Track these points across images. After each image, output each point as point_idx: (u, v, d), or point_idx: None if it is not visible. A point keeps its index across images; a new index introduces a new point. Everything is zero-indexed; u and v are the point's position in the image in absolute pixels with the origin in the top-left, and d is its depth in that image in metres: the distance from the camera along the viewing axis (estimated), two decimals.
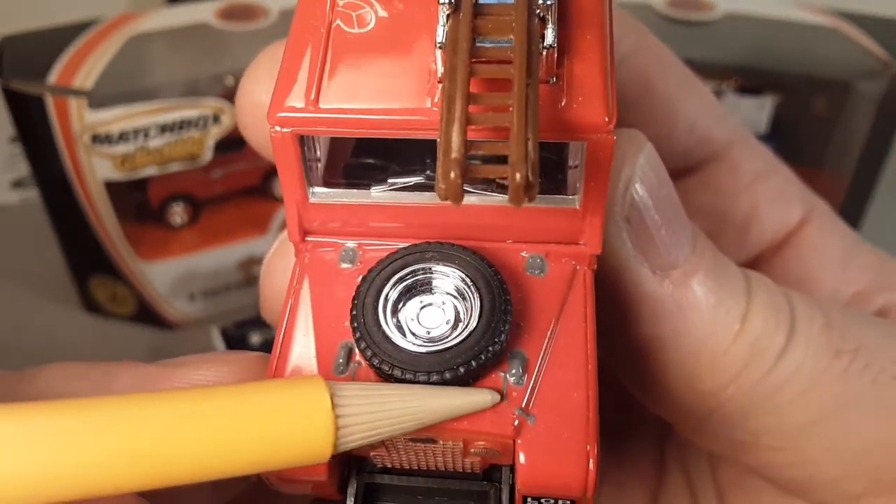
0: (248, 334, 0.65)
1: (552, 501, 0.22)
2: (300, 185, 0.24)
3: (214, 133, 0.58)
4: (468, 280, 0.23)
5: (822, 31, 0.64)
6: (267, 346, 0.69)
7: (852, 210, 0.65)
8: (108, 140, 0.56)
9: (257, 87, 0.28)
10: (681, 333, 0.26)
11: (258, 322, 0.66)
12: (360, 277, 0.24)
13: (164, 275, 0.65)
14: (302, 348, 0.24)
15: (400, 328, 0.23)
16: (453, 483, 0.24)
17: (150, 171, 0.59)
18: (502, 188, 0.24)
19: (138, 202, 0.61)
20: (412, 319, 0.23)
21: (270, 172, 0.63)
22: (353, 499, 0.24)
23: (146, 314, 0.66)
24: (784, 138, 0.63)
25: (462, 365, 0.22)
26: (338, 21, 0.24)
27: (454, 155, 0.19)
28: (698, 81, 0.34)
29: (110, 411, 0.19)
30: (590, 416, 0.22)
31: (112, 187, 0.59)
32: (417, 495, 0.24)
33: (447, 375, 0.22)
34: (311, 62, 0.24)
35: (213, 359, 0.25)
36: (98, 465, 0.19)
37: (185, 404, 0.20)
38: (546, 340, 0.23)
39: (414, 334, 0.23)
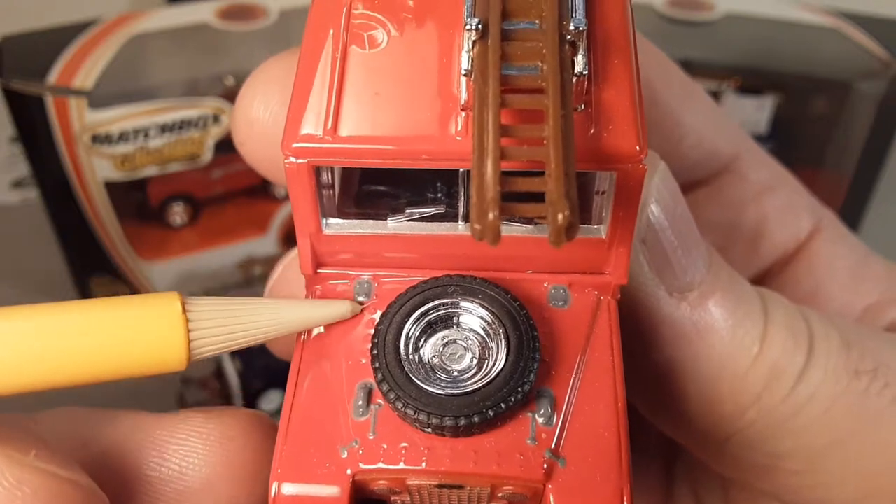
0: None
1: None
2: (314, 216, 0.23)
3: (214, 133, 0.58)
4: (494, 316, 0.22)
5: (822, 31, 0.64)
6: (265, 349, 0.68)
7: (852, 210, 0.65)
8: (108, 140, 0.56)
9: (253, 103, 0.27)
10: (700, 357, 0.25)
11: None
12: (379, 314, 0.23)
13: (164, 275, 0.65)
14: (316, 388, 0.22)
15: (423, 367, 0.22)
16: None
17: (150, 171, 0.59)
18: (528, 220, 0.23)
19: (138, 202, 0.61)
20: (435, 357, 0.22)
21: None
22: None
23: None
24: (784, 138, 0.63)
25: (491, 408, 0.21)
26: (350, 41, 0.22)
27: (490, 194, 0.18)
28: (701, 90, 0.33)
29: None
30: (622, 457, 0.21)
31: (112, 187, 0.58)
32: None
33: (475, 419, 0.21)
34: (327, 86, 0.22)
35: (212, 413, 0.25)
36: None
37: (46, 317, 0.21)
38: (573, 376, 0.22)
39: (437, 373, 0.22)
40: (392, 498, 0.22)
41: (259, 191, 0.64)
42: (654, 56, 0.32)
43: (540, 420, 0.21)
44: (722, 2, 0.66)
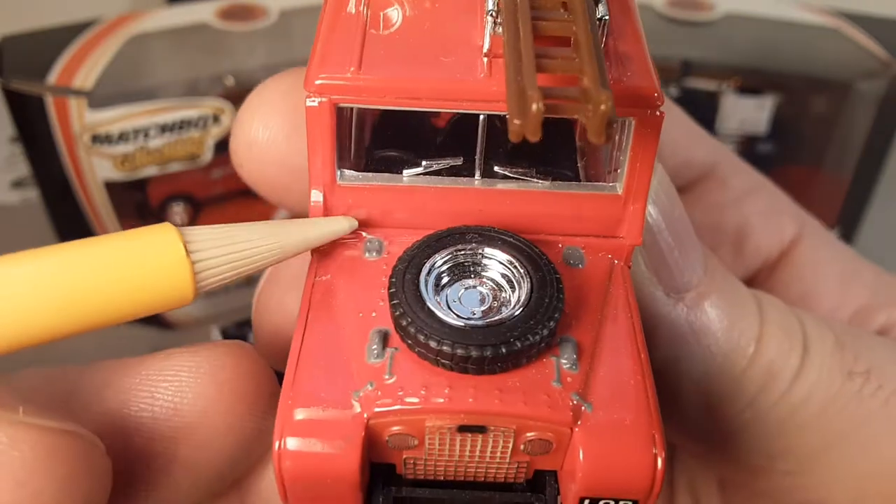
0: (249, 334, 0.65)
1: (612, 503, 0.20)
2: (330, 164, 0.23)
3: (214, 133, 0.58)
4: (515, 259, 0.21)
5: (822, 31, 0.64)
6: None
7: (852, 210, 0.65)
8: (108, 140, 0.56)
9: (252, 125, 0.27)
10: (696, 357, 0.26)
11: None
12: (397, 258, 0.22)
13: None
14: (325, 339, 0.21)
15: (444, 307, 0.21)
16: (493, 495, 0.21)
17: (150, 171, 0.59)
18: (542, 173, 0.23)
19: (138, 202, 0.61)
20: (455, 301, 0.21)
21: None
22: None
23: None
24: (784, 138, 0.63)
25: (518, 339, 0.19)
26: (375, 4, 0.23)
27: (530, 89, 0.17)
28: (674, 106, 0.34)
29: None
30: (650, 403, 0.20)
31: (112, 187, 0.58)
32: None
33: (503, 350, 0.19)
34: (350, 37, 0.22)
35: (196, 347, 0.24)
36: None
37: (49, 261, 0.20)
38: (595, 328, 0.21)
39: (459, 314, 0.21)
40: (405, 455, 0.21)
41: None
42: None
43: (565, 365, 0.20)
44: (722, 2, 0.66)
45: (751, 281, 0.35)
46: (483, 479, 0.21)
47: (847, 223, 0.65)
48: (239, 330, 0.65)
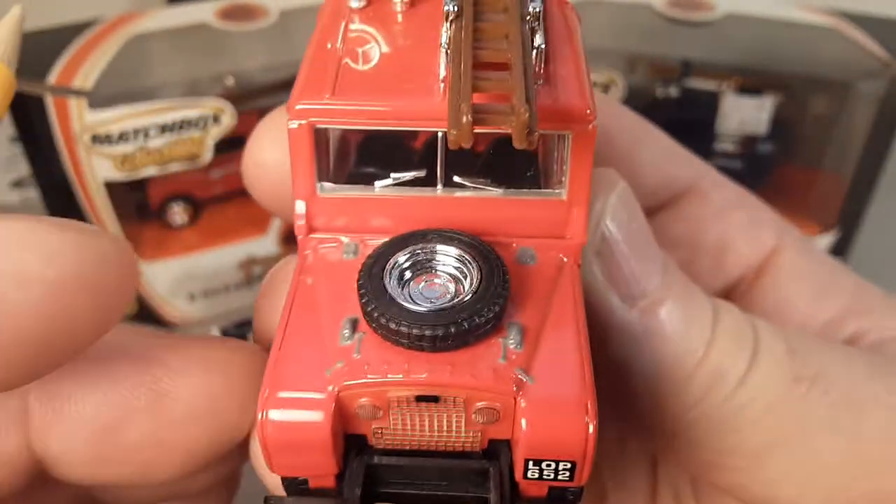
0: (248, 335, 0.65)
1: (554, 465, 0.22)
2: (311, 178, 0.26)
3: (214, 133, 0.58)
4: (467, 254, 0.25)
5: (822, 31, 0.64)
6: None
7: (852, 210, 0.65)
8: (108, 140, 0.56)
9: (263, 149, 0.30)
10: (648, 359, 0.27)
11: None
12: (366, 256, 0.25)
13: (164, 275, 0.65)
14: (304, 327, 0.24)
15: (404, 296, 0.24)
16: (453, 462, 0.24)
17: (150, 171, 0.59)
18: (497, 182, 0.27)
19: (138, 202, 0.61)
20: (417, 293, 0.24)
21: None
22: (353, 481, 0.24)
23: (146, 314, 0.66)
24: (784, 138, 0.63)
25: (466, 319, 0.22)
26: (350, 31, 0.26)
27: (463, 104, 0.21)
28: (652, 126, 0.36)
29: None
30: (585, 376, 0.23)
31: (112, 187, 0.59)
32: (418, 476, 0.24)
33: (452, 329, 0.22)
34: (327, 70, 0.26)
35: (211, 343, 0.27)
36: None
37: None
38: (541, 315, 0.24)
39: (417, 301, 0.24)
40: (373, 426, 0.24)
41: None
42: (606, 103, 0.35)
43: (511, 344, 0.23)
44: (722, 2, 0.66)
45: (730, 291, 0.37)
46: (444, 448, 0.24)
47: (847, 223, 0.65)
48: (238, 330, 0.65)
